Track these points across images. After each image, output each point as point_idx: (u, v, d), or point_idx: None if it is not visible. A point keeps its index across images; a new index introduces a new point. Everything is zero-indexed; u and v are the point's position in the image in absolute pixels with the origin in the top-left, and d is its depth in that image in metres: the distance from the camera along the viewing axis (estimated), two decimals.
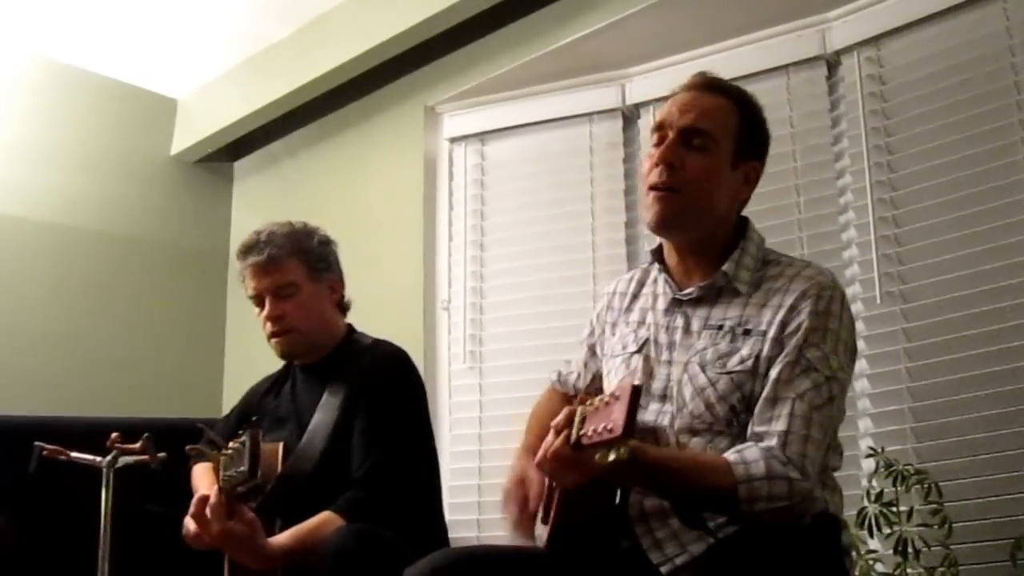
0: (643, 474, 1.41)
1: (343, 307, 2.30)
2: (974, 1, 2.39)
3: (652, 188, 1.62)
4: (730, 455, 1.44)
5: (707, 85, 1.68)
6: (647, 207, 1.64)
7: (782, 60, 2.71)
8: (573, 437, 1.34)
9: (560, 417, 1.41)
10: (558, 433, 1.40)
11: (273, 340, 2.19)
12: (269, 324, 2.17)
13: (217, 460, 1.93)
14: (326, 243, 2.27)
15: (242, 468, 1.80)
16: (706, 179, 1.61)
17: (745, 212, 1.74)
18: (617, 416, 1.23)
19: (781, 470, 1.42)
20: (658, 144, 1.65)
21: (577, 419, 1.35)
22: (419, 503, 2.07)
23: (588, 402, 1.36)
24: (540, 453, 1.42)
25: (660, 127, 1.65)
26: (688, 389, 1.57)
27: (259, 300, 2.19)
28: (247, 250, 2.19)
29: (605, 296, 1.86)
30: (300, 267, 2.18)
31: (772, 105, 2.68)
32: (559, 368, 1.93)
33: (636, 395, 1.23)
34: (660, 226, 1.65)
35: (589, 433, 1.30)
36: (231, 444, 1.89)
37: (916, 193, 2.42)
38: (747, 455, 1.44)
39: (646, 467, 1.39)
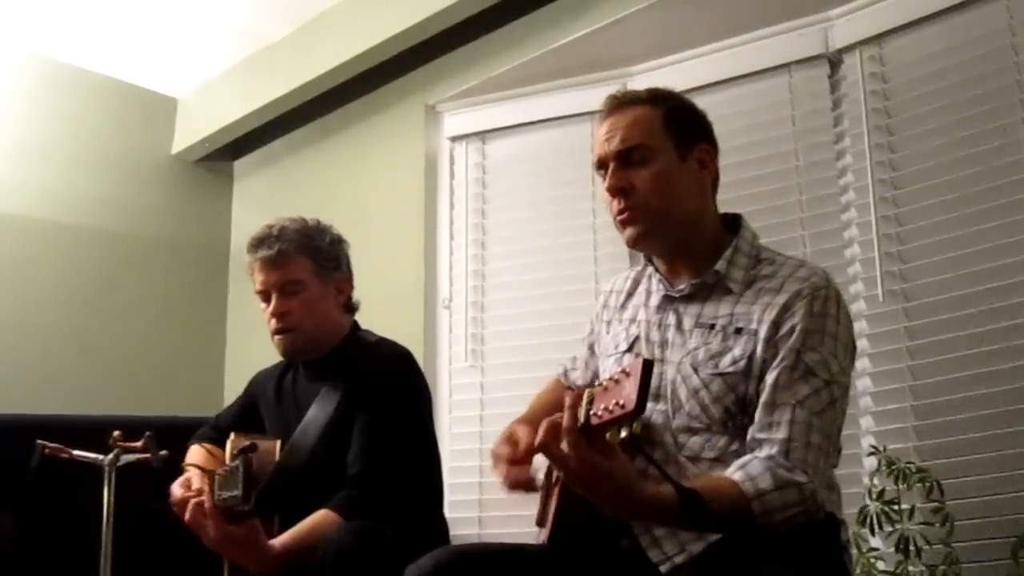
0: (649, 511, 1.39)
1: (350, 307, 2.29)
2: None
3: (616, 217, 1.65)
4: (735, 474, 1.43)
5: (616, 104, 1.68)
6: (621, 234, 1.66)
7: (784, 58, 2.70)
8: (581, 418, 1.30)
9: (571, 398, 1.36)
10: (571, 410, 1.33)
11: (276, 337, 2.18)
12: (273, 320, 2.16)
13: (212, 477, 1.94)
14: (337, 242, 2.25)
15: (236, 492, 1.81)
16: (660, 185, 1.61)
17: (746, 210, 1.74)
18: (629, 391, 1.21)
19: (787, 476, 1.42)
20: (605, 179, 1.66)
21: (585, 400, 1.31)
22: (415, 501, 2.07)
23: (595, 383, 1.33)
24: (545, 429, 1.35)
25: (600, 166, 1.67)
26: (683, 390, 1.57)
27: (265, 295, 2.18)
28: (257, 243, 2.17)
29: (603, 295, 1.86)
30: (308, 264, 2.17)
31: (774, 103, 2.72)
32: (565, 364, 1.94)
33: (648, 370, 1.21)
34: (636, 244, 1.67)
35: (599, 412, 1.27)
36: (225, 465, 1.90)
37: (918, 191, 2.41)
38: (751, 470, 1.43)
39: (648, 504, 1.36)
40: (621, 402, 1.22)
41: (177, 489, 2.03)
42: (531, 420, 1.73)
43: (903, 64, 2.51)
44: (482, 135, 3.24)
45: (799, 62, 2.69)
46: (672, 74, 2.79)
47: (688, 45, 2.86)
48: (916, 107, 2.46)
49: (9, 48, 3.54)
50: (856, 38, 2.58)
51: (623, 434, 1.22)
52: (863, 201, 2.49)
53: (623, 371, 1.25)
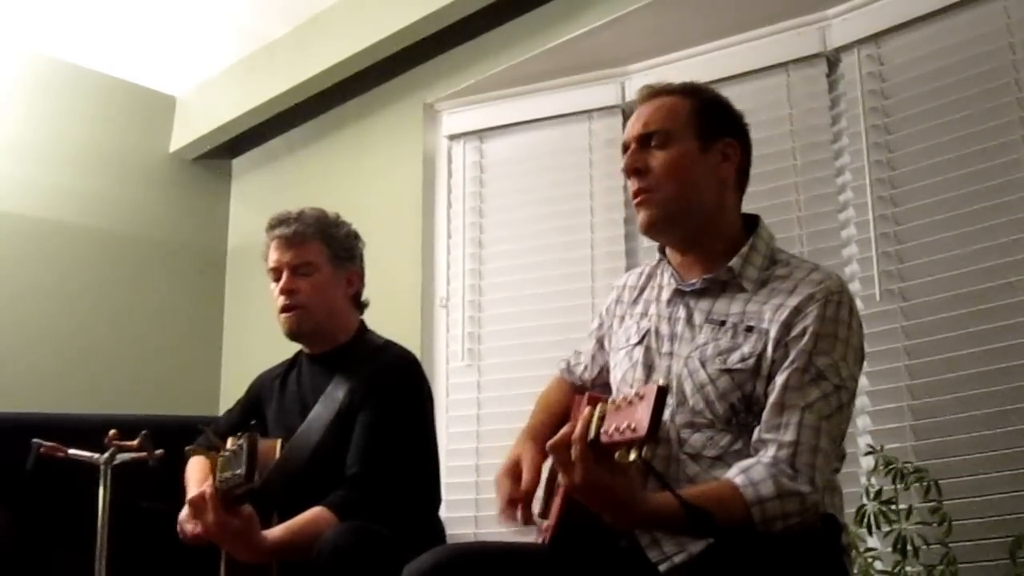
0: (651, 523, 1.42)
1: (359, 303, 2.31)
2: None
3: (633, 200, 1.66)
4: (737, 478, 1.43)
5: (650, 93, 1.71)
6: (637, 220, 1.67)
7: (782, 57, 2.70)
8: (591, 434, 1.30)
9: (588, 411, 1.35)
10: (584, 421, 1.33)
11: (282, 316, 2.19)
12: (281, 298, 2.18)
13: (215, 460, 1.93)
14: (354, 236, 2.30)
15: (239, 471, 1.80)
16: (674, 170, 1.62)
17: (744, 209, 1.74)
18: (641, 416, 1.20)
19: (791, 486, 1.42)
20: None
21: (596, 417, 1.30)
22: (411, 504, 2.06)
23: (610, 401, 1.32)
24: (558, 437, 1.35)
25: (624, 149, 1.69)
26: (688, 384, 1.56)
27: (276, 273, 2.21)
28: (276, 223, 2.22)
29: (615, 289, 1.86)
30: (323, 250, 2.21)
31: (772, 103, 2.72)
32: (568, 358, 1.94)
33: (662, 396, 1.20)
34: (648, 229, 1.67)
35: (610, 431, 1.26)
36: (229, 446, 1.89)
37: (916, 191, 2.41)
38: (753, 475, 1.42)
39: (651, 516, 1.38)
40: (633, 426, 1.21)
41: (187, 526, 2.00)
42: (536, 435, 1.73)
43: (901, 63, 2.50)
44: (480, 134, 3.24)
45: (797, 61, 2.69)
46: (670, 73, 2.77)
47: (686, 44, 2.86)
48: (914, 106, 2.45)
49: (9, 46, 3.54)
50: (854, 37, 2.58)
51: (632, 457, 1.21)
52: (860, 200, 2.49)
53: (637, 394, 1.24)
